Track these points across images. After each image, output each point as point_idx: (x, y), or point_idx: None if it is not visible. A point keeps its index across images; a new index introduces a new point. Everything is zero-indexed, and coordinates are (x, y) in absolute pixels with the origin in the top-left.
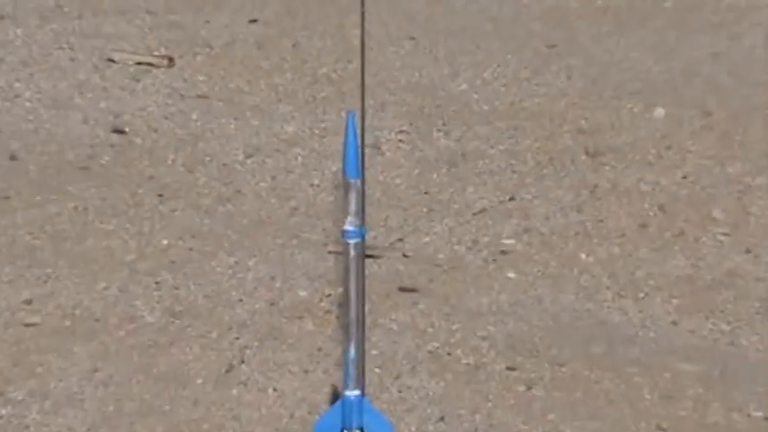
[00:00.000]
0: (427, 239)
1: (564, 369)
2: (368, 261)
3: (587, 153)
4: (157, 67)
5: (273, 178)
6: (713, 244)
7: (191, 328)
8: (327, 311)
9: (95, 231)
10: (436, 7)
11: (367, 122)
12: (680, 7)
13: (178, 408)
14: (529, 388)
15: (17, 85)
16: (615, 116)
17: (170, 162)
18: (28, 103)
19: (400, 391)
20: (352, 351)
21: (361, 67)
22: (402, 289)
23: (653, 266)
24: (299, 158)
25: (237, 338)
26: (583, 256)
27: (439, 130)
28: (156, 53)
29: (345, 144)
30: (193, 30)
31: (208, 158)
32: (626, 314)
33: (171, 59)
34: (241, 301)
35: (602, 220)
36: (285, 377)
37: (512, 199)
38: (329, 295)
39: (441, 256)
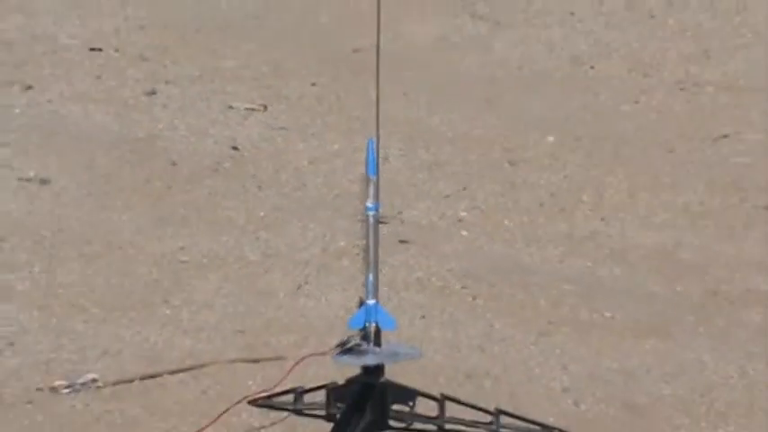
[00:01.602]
0: (415, 212)
1: (494, 287)
2: (380, 225)
3: (508, 162)
4: (257, 111)
5: (326, 176)
6: None
7: (276, 264)
8: (357, 254)
9: (221, 202)
10: (421, 76)
11: (380, 143)
12: None
13: (269, 309)
14: (474, 299)
15: (176, 122)
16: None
17: (264, 167)
18: (182, 132)
19: (399, 300)
20: (371, 277)
21: (376, 113)
22: (400, 241)
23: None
24: (341, 164)
25: (304, 270)
26: (506, 221)
27: (422, 148)
28: (257, 103)
29: (367, 156)
30: (278, 89)
31: (287, 165)
32: (531, 256)
33: (265, 106)
34: (306, 248)
35: (518, 201)
36: (333, 293)
37: (465, 189)
38: (358, 245)
39: (423, 222)
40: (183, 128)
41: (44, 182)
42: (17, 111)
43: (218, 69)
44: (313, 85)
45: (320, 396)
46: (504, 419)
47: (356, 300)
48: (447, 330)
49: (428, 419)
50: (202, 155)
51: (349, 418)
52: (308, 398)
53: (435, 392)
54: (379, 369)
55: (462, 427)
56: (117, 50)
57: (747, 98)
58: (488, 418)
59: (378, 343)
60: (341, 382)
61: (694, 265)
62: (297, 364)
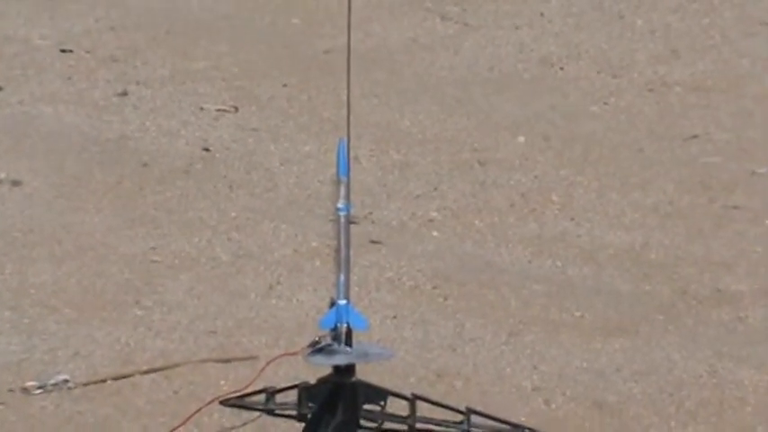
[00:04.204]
0: (386, 212)
1: (464, 287)
2: (351, 225)
3: (479, 163)
4: (228, 112)
5: (297, 177)
6: None
7: (248, 264)
8: (328, 254)
9: (193, 202)
10: (392, 77)
11: (351, 144)
12: None
13: (240, 310)
14: (445, 299)
15: (147, 123)
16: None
17: (236, 168)
18: (154, 133)
19: (370, 300)
20: (342, 278)
21: (347, 114)
22: (371, 241)
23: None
24: (312, 165)
25: (275, 270)
26: (476, 222)
27: (393, 149)
28: (228, 104)
29: (338, 157)
30: (249, 90)
31: (258, 166)
32: (501, 256)
33: (237, 108)
34: (278, 248)
35: (488, 201)
36: (304, 293)
37: (435, 189)
38: (329, 245)
39: (394, 222)
40: (154, 129)
41: (15, 183)
42: None
43: (189, 71)
44: (284, 86)
45: (292, 396)
46: (475, 419)
47: (327, 300)
48: (418, 330)
49: (399, 419)
50: (174, 156)
51: (320, 418)
52: (279, 398)
53: (406, 392)
54: (350, 369)
55: (433, 427)
56: (88, 52)
57: (716, 98)
58: (459, 418)
59: (349, 343)
60: (312, 381)
61: (663, 264)
62: (269, 364)
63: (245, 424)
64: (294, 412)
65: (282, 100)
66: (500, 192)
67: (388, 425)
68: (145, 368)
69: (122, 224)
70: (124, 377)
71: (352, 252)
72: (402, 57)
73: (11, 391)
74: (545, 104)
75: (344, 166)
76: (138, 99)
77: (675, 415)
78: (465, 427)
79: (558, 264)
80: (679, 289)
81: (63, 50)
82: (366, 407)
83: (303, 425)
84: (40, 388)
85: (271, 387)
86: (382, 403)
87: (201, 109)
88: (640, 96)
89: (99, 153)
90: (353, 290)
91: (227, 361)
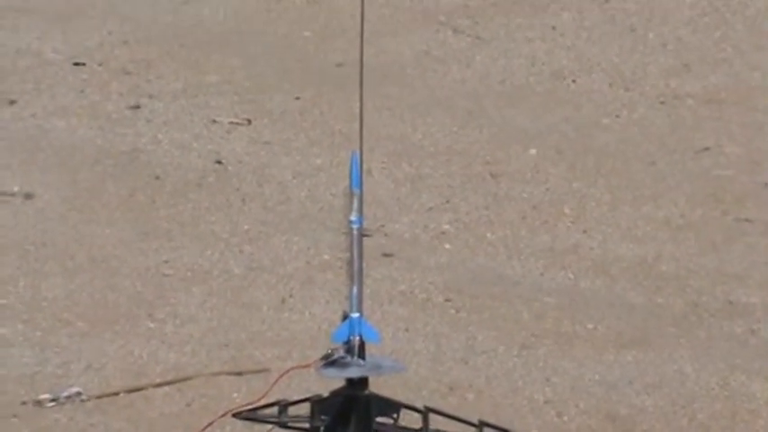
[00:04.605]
0: (399, 225)
1: (477, 300)
2: (364, 238)
3: (491, 175)
4: (241, 125)
5: (309, 190)
6: None
7: (260, 277)
8: (340, 267)
9: (205, 215)
10: (404, 90)
11: (364, 157)
12: None
13: (253, 323)
14: (457, 312)
15: (160, 136)
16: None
17: (249, 181)
18: (166, 146)
19: (382, 313)
20: (355, 290)
21: (360, 127)
22: (384, 254)
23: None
24: (325, 178)
25: (288, 283)
26: (488, 234)
27: (405, 162)
28: (241, 117)
29: (351, 170)
30: (262, 103)
31: (270, 179)
32: (513, 269)
33: (249, 121)
34: (290, 261)
35: (500, 213)
36: (316, 306)
37: (448, 202)
38: (341, 258)
39: (406, 235)
40: (166, 142)
41: (28, 196)
42: (0, 125)
43: (202, 84)
44: (296, 99)
45: (304, 409)
46: (488, 431)
47: (340, 313)
48: (430, 343)
49: None
50: (186, 169)
51: (333, 431)
52: (292, 410)
53: (419, 405)
54: (363, 382)
55: None
56: (101, 65)
57: (728, 111)
58: (472, 430)
59: (362, 356)
60: (325, 394)
61: (675, 277)
62: (281, 376)
63: None
64: (307, 425)
65: (295, 113)
66: (512, 204)
67: None
68: (157, 381)
69: (135, 237)
70: (137, 390)
71: (364, 265)
72: (414, 70)
73: (24, 403)
74: (557, 117)
75: (357, 179)
76: (151, 112)
77: (687, 428)
78: None
79: (571, 276)
80: (691, 301)
81: (76, 64)
82: (379, 419)
83: None
84: (53, 401)
85: (283, 400)
86: (395, 416)
87: (214, 122)
88: (652, 109)
89: (111, 166)
90: (366, 303)
91: (240, 374)
